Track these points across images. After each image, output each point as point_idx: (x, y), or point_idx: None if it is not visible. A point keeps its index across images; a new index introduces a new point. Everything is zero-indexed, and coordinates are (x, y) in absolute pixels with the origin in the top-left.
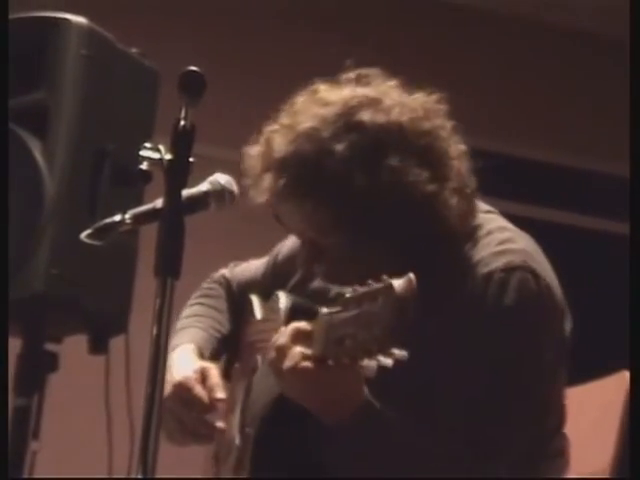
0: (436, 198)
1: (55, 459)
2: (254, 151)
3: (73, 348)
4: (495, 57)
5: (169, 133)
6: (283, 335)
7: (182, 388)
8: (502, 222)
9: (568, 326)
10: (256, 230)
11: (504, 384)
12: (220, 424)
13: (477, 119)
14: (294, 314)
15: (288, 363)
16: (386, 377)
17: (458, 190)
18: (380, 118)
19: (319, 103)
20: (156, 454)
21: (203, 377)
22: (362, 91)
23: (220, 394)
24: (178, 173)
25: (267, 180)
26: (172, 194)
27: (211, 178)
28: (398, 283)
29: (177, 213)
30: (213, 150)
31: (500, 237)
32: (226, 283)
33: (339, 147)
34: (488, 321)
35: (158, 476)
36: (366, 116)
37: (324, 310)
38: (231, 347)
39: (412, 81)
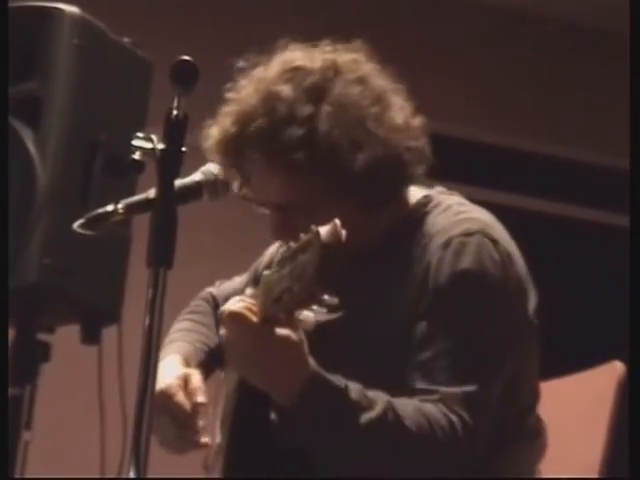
0: (380, 120)
1: (48, 449)
2: (212, 140)
3: (65, 338)
4: (494, 49)
5: (162, 123)
6: (228, 304)
7: (164, 396)
8: (462, 200)
9: (532, 304)
10: (249, 220)
11: (467, 347)
12: (205, 439)
13: (475, 111)
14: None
15: (231, 308)
16: (345, 342)
17: (403, 117)
18: (315, 62)
19: (257, 70)
20: (149, 444)
21: (185, 383)
22: (294, 51)
23: (200, 398)
24: (171, 163)
25: (230, 159)
26: (165, 184)
27: (204, 168)
28: (323, 229)
29: (169, 203)
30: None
31: (459, 209)
32: (212, 299)
33: (283, 89)
34: (447, 285)
35: (160, 472)
36: (302, 62)
37: (264, 272)
38: (220, 360)
39: (410, 73)
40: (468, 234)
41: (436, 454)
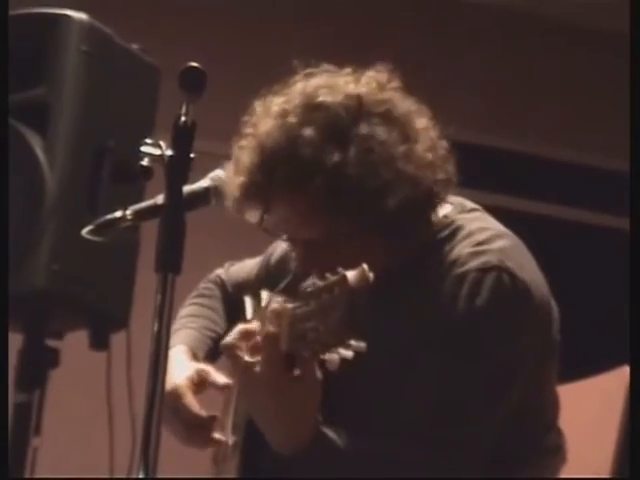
0: (409, 157)
1: (56, 455)
2: (230, 171)
3: (74, 344)
4: (493, 52)
5: (170, 129)
6: (231, 335)
7: (173, 397)
8: (485, 222)
9: (555, 325)
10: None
11: (475, 385)
12: (217, 436)
13: (474, 114)
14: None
15: (240, 365)
16: (358, 375)
17: (431, 148)
18: (337, 96)
19: (277, 102)
20: (157, 450)
21: (201, 379)
22: (315, 81)
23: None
24: (179, 169)
25: (251, 189)
26: (173, 190)
27: (212, 174)
28: (351, 274)
29: (178, 209)
30: (214, 146)
31: (479, 238)
32: (221, 283)
33: (307, 131)
34: (461, 321)
35: (168, 473)
36: (324, 97)
37: (287, 305)
38: None
39: (409, 75)
40: (485, 269)
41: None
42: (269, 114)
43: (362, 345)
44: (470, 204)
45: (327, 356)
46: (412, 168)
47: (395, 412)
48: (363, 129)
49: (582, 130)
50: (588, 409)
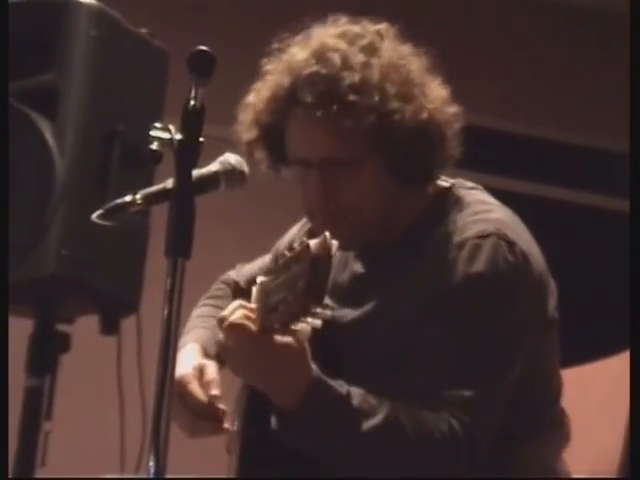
0: (426, 88)
1: (68, 439)
2: (260, 98)
3: (85, 328)
4: (496, 34)
5: (179, 113)
6: (226, 310)
7: (179, 385)
8: (483, 196)
9: (552, 300)
10: (266, 210)
11: (474, 351)
12: (222, 425)
13: (478, 97)
14: None
15: (231, 317)
16: (366, 344)
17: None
18: (364, 29)
19: (300, 40)
20: (168, 433)
21: (201, 373)
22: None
23: (214, 390)
24: (188, 153)
25: (276, 115)
26: (182, 174)
27: (221, 158)
28: (313, 243)
29: (188, 193)
30: (223, 130)
31: (477, 208)
32: (233, 284)
33: (338, 42)
34: (459, 287)
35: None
36: (350, 26)
37: (259, 279)
38: None
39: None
40: (483, 236)
41: (437, 460)
42: (293, 45)
43: (327, 313)
44: (469, 183)
45: (298, 326)
46: (426, 100)
47: (399, 379)
48: (386, 50)
49: (585, 111)
50: (596, 392)
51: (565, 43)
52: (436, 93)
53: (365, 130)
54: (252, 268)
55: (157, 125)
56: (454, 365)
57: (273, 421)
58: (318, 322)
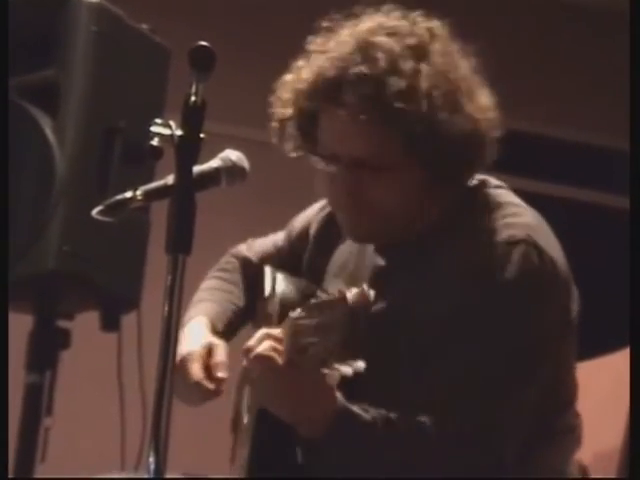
0: (472, 96)
1: (68, 435)
2: (301, 82)
3: (85, 325)
4: (496, 30)
5: (180, 109)
6: (253, 339)
7: (183, 361)
8: (511, 197)
9: (575, 305)
10: (268, 207)
11: (502, 359)
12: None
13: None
14: (283, 309)
15: (257, 349)
16: (390, 346)
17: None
18: (413, 26)
19: (347, 28)
20: (168, 429)
21: (208, 354)
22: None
23: (221, 373)
24: (189, 149)
25: (313, 104)
26: (183, 170)
27: (222, 154)
28: (351, 294)
29: (188, 189)
30: (224, 127)
31: (507, 211)
32: (243, 257)
33: (386, 41)
34: (488, 294)
35: (180, 456)
36: (398, 22)
37: (291, 315)
38: (249, 320)
39: None
40: (513, 242)
41: (459, 468)
42: (340, 33)
43: (361, 366)
44: (495, 181)
45: (327, 371)
46: (472, 108)
47: (424, 384)
48: (436, 54)
49: (585, 108)
50: (599, 388)
51: (564, 40)
52: (482, 101)
53: (406, 138)
54: (264, 244)
55: (158, 121)
56: (477, 372)
57: (299, 454)
58: (349, 370)
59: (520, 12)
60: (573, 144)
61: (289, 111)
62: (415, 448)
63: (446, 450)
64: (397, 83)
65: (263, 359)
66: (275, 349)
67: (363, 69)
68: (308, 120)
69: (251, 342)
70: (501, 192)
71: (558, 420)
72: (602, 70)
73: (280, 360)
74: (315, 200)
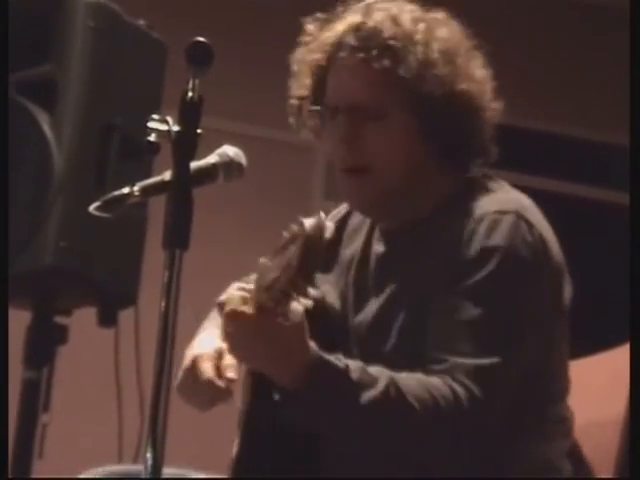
0: (469, 63)
1: (65, 431)
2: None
3: (82, 321)
4: (497, 27)
5: (177, 105)
6: (225, 294)
7: (195, 361)
8: (506, 187)
9: (567, 291)
10: (265, 202)
11: (487, 319)
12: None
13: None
14: None
15: (227, 307)
16: (388, 324)
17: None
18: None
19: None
20: (166, 424)
21: (220, 357)
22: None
23: (231, 374)
24: (186, 145)
25: (333, 49)
26: (180, 166)
27: (219, 150)
28: (308, 222)
29: (185, 185)
30: (221, 122)
31: (499, 195)
32: None
33: (404, 16)
34: (475, 259)
35: (177, 453)
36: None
37: (260, 259)
38: None
39: None
40: (502, 212)
41: (440, 428)
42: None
43: (318, 293)
44: (496, 178)
45: (292, 307)
46: (471, 74)
47: (413, 348)
48: (440, 30)
49: (586, 105)
50: (596, 385)
51: (564, 37)
52: (479, 73)
53: (400, 82)
54: None
55: (155, 117)
56: (466, 333)
57: (276, 399)
58: (309, 302)
59: (520, 12)
60: (572, 140)
61: (306, 82)
62: (389, 395)
63: (420, 399)
64: (394, 28)
65: (234, 314)
66: (245, 299)
67: (363, 19)
68: (321, 88)
69: (223, 296)
70: (501, 184)
71: (549, 409)
72: (602, 67)
73: (250, 310)
74: (313, 198)
